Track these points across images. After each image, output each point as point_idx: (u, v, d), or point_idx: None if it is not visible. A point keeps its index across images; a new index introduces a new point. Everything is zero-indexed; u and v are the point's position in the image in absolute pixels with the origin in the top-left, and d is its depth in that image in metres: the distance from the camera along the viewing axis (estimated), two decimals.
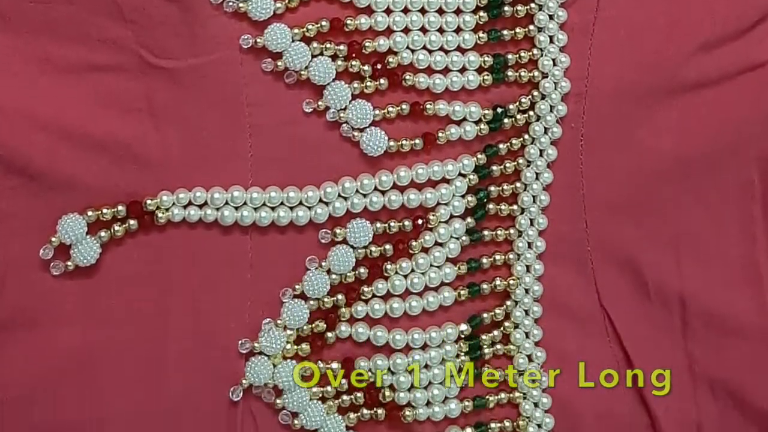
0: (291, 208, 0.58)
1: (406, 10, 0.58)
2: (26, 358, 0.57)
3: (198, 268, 0.58)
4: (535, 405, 0.62)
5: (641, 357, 0.62)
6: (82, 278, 0.57)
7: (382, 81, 0.58)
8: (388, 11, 0.58)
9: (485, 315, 0.61)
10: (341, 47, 0.57)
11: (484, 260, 0.61)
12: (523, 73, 0.60)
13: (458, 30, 0.59)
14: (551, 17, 0.59)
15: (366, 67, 0.58)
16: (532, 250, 0.61)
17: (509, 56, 0.59)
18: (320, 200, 0.58)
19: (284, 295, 0.59)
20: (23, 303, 0.56)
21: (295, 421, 0.59)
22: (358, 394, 0.60)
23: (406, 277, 0.59)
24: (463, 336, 0.61)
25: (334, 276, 0.59)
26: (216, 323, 0.58)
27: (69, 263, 0.56)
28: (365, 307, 0.59)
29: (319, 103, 0.58)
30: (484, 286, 0.61)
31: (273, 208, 0.58)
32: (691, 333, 0.62)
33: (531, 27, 0.59)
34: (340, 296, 0.59)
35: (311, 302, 0.59)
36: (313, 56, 0.57)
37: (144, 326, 0.58)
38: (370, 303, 0.59)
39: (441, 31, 0.59)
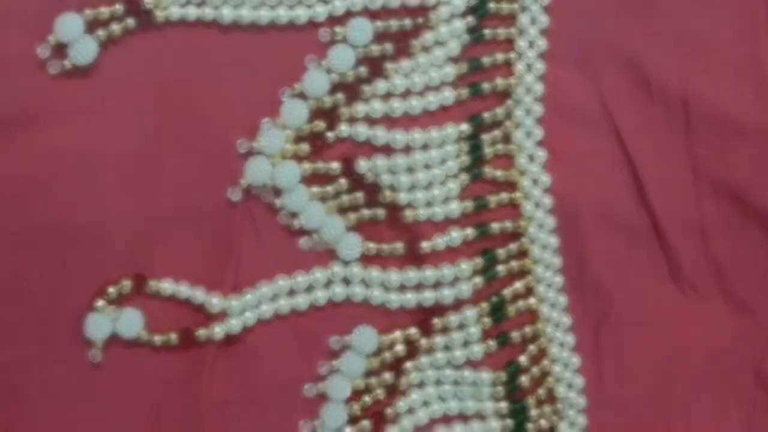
0: (290, 7, 0.57)
1: None
2: (22, 157, 0.56)
3: (196, 68, 0.57)
4: (537, 205, 0.61)
5: (643, 157, 0.61)
6: (79, 78, 0.56)
7: None
8: None
9: (486, 114, 0.60)
10: None
11: (485, 59, 0.60)
12: None
13: None
14: None
15: None
16: (534, 49, 0.60)
17: None
18: None
19: (283, 94, 0.58)
20: (20, 102, 0.56)
21: (294, 222, 0.59)
22: (358, 194, 0.59)
23: (406, 76, 0.59)
24: (463, 135, 0.60)
25: (333, 75, 0.58)
26: (215, 123, 0.58)
27: (66, 62, 0.56)
28: (365, 106, 0.59)
29: None
30: (485, 84, 0.60)
31: (272, 8, 0.57)
32: (694, 133, 0.62)
33: None
34: (339, 96, 0.58)
35: (310, 102, 0.58)
36: None
37: (142, 126, 0.57)
38: (370, 102, 0.59)
39: None
